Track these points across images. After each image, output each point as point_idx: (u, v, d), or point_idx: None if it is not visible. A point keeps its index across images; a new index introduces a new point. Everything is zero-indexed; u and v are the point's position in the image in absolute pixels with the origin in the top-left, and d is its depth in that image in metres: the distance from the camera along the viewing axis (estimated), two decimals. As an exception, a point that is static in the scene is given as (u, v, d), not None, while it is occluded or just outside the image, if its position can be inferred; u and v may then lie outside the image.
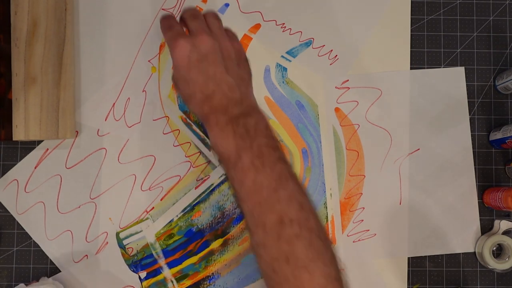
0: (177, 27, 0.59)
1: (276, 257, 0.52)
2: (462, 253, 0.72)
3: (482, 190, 0.72)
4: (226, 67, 0.57)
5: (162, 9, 0.72)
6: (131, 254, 0.70)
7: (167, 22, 0.60)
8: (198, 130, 0.71)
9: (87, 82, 0.71)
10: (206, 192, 0.71)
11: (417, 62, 0.74)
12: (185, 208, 0.71)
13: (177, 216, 0.71)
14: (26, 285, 0.66)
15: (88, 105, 0.71)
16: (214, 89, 0.55)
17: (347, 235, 0.71)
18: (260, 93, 0.72)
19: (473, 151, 0.73)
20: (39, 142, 0.71)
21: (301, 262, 0.51)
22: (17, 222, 0.70)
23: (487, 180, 0.73)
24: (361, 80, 0.73)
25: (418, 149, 0.72)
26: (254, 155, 0.53)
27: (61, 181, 0.70)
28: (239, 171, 0.54)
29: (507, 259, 0.70)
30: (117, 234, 0.70)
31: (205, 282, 0.70)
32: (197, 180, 0.71)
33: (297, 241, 0.51)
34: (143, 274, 0.70)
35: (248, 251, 0.70)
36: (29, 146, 0.71)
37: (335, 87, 0.73)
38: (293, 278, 0.51)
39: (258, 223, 0.53)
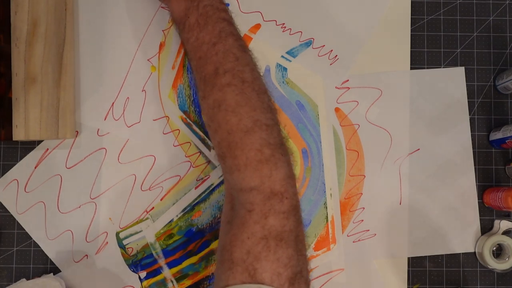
0: None
1: (212, 105, 0.57)
2: (462, 253, 0.72)
3: (482, 190, 0.72)
4: None
5: (161, 7, 0.72)
6: (131, 254, 0.70)
7: None
8: (198, 130, 0.71)
9: (87, 82, 0.71)
10: (206, 192, 0.71)
11: (417, 62, 0.74)
12: (185, 208, 0.71)
13: (177, 216, 0.71)
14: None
15: (88, 105, 0.71)
16: None
17: (347, 235, 0.71)
18: (260, 93, 0.72)
19: (473, 151, 0.73)
20: (39, 142, 0.71)
21: (230, 108, 0.56)
22: (17, 222, 0.70)
23: (487, 180, 0.73)
24: (361, 80, 0.73)
25: (418, 149, 0.72)
26: (199, 14, 0.59)
27: (61, 181, 0.70)
28: (186, 30, 0.60)
29: (507, 259, 0.70)
30: (117, 234, 0.70)
31: (205, 282, 0.70)
32: (197, 180, 0.71)
33: (228, 89, 0.56)
34: (143, 274, 0.70)
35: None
36: (29, 146, 0.71)
37: (335, 87, 0.73)
38: (224, 122, 0.56)
39: (201, 76, 0.59)
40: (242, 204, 0.54)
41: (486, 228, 0.72)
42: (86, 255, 0.70)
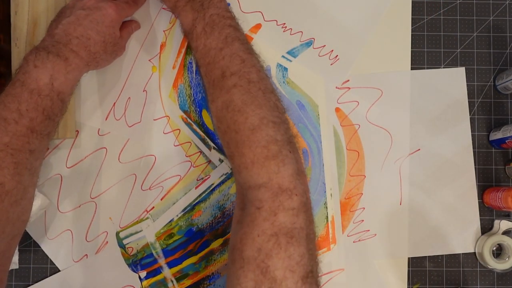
0: None
1: (220, 107, 0.58)
2: (462, 253, 0.72)
3: (482, 190, 0.73)
4: None
5: (163, 8, 0.72)
6: (131, 254, 0.70)
7: None
8: (198, 130, 0.71)
9: (88, 82, 0.71)
10: (207, 192, 0.71)
11: (417, 62, 0.74)
12: (185, 208, 0.71)
13: (177, 215, 0.71)
14: None
15: (88, 105, 0.71)
16: None
17: (348, 235, 0.71)
18: (260, 93, 0.72)
19: (473, 151, 0.73)
20: (39, 141, 0.70)
21: (237, 107, 0.57)
22: (17, 221, 0.70)
23: (487, 180, 0.73)
24: (361, 80, 0.73)
25: (419, 149, 0.72)
26: (205, 23, 0.62)
27: (61, 180, 0.70)
28: (194, 39, 0.63)
29: (507, 259, 0.70)
30: (117, 233, 0.70)
31: (205, 282, 0.70)
32: (197, 180, 0.71)
33: (234, 90, 0.58)
34: (143, 273, 0.70)
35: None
36: (29, 145, 0.70)
37: (336, 87, 0.73)
38: (232, 123, 0.57)
39: (209, 80, 0.61)
40: (251, 202, 0.54)
41: (486, 228, 0.72)
42: (86, 254, 0.70)
